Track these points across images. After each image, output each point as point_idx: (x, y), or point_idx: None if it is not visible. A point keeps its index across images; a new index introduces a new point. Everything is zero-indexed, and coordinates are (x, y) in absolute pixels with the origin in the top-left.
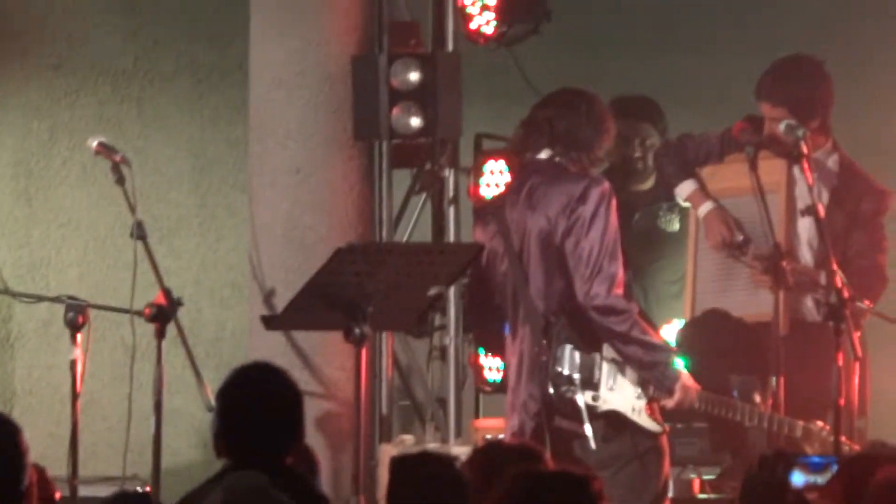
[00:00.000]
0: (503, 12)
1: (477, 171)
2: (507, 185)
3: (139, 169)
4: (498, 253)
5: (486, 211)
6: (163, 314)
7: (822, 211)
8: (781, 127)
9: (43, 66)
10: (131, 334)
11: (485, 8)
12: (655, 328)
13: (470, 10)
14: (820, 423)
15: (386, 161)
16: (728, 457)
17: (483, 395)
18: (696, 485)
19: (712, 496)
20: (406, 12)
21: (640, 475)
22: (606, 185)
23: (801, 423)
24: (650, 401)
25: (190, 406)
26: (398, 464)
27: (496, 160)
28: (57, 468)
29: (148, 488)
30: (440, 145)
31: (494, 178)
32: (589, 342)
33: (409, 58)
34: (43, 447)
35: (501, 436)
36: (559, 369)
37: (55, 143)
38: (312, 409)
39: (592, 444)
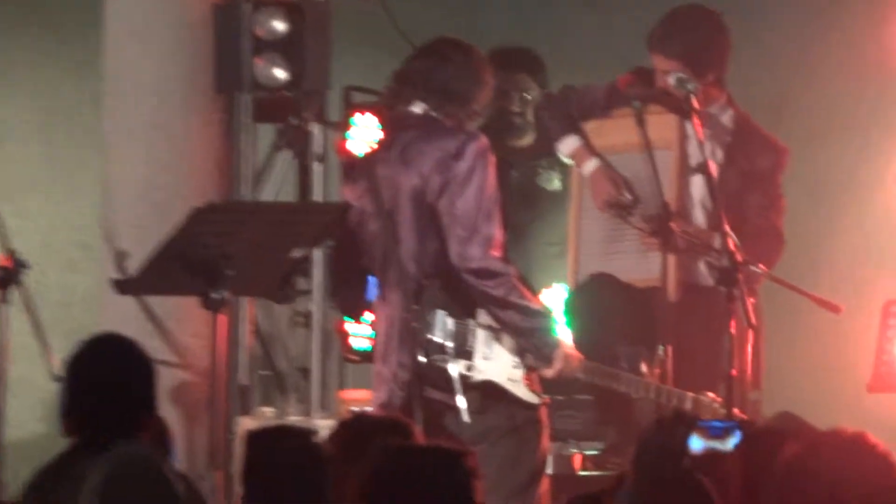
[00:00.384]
0: None
1: (346, 127)
2: (379, 141)
3: None
4: (367, 212)
5: (356, 168)
6: (7, 277)
7: (713, 168)
8: (671, 80)
9: None
10: None
11: None
12: (535, 293)
13: None
14: (711, 395)
15: (248, 115)
16: (612, 431)
17: (349, 364)
18: (578, 461)
19: (594, 473)
20: None
21: (516, 449)
22: (484, 140)
23: (690, 394)
24: (528, 370)
25: (35, 375)
26: (254, 438)
27: (367, 115)
28: None
29: None
30: (307, 98)
31: (365, 133)
32: (463, 307)
33: (274, 5)
34: None
35: (369, 408)
36: (431, 336)
37: None
38: (167, 380)
39: (466, 417)
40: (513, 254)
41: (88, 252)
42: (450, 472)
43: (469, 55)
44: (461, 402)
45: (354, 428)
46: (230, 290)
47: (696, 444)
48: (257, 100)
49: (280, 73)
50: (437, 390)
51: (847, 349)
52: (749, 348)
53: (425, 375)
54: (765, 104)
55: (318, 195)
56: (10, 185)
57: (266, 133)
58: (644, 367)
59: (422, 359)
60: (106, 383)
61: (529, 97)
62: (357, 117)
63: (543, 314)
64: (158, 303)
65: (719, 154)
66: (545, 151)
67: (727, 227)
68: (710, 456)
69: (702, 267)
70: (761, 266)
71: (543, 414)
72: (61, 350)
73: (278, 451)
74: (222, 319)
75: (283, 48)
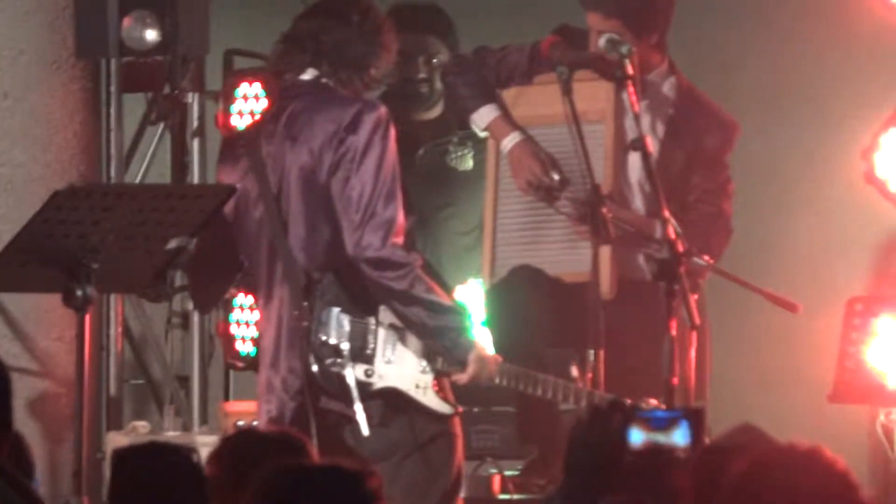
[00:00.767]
0: None
1: (227, 96)
2: (264, 113)
3: None
4: (251, 195)
5: (237, 144)
6: None
7: (650, 145)
8: (602, 41)
9: None
10: None
11: None
12: (448, 290)
13: None
14: (653, 402)
15: (115, 84)
16: (536, 449)
17: (234, 371)
18: (497, 482)
19: (516, 497)
20: None
21: (425, 468)
22: (383, 110)
23: (628, 402)
24: (438, 376)
25: None
26: (120, 458)
27: (250, 82)
28: None
29: None
30: (182, 64)
31: (248, 104)
32: (361, 304)
33: None
34: None
35: (256, 422)
36: (324, 338)
37: None
38: (24, 390)
39: (365, 430)
40: (419, 244)
41: None
42: (350, 496)
43: (366, 14)
44: (360, 412)
45: (240, 445)
46: (96, 286)
47: (637, 436)
48: (125, 66)
49: (151, 35)
50: (334, 399)
51: (805, 353)
52: (692, 352)
53: (318, 383)
54: (711, 70)
55: (196, 176)
56: None
57: (135, 105)
58: (574, 371)
59: (314, 364)
60: None
61: (437, 62)
62: (240, 86)
63: (455, 310)
64: (13, 301)
65: (660, 129)
66: (456, 125)
67: (668, 213)
68: (654, 452)
69: (639, 259)
70: (706, 258)
71: (457, 425)
72: None
73: (151, 472)
74: (87, 320)
75: (155, 6)
